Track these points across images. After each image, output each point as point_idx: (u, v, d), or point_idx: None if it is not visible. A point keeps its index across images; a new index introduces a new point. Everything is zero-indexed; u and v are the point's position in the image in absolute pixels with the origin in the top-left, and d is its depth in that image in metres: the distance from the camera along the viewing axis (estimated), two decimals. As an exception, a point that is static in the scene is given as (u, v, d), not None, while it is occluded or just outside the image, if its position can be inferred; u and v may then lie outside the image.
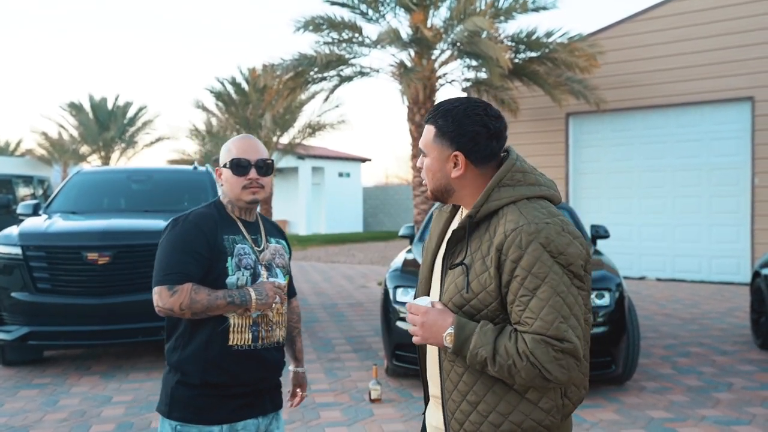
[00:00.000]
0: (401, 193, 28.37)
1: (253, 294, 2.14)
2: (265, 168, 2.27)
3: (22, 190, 12.01)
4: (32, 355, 6.26)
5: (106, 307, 5.75)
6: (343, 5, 11.06)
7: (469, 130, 1.68)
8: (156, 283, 2.14)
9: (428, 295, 1.81)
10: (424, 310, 1.66)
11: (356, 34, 11.06)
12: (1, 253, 5.93)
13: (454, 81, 11.98)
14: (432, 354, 1.80)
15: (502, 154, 1.74)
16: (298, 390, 2.54)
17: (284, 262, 2.36)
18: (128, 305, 5.82)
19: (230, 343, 2.18)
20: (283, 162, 24.25)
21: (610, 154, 12.31)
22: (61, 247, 5.84)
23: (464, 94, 13.35)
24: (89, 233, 5.94)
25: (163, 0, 77.31)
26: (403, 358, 5.31)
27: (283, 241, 2.41)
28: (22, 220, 6.71)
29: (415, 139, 11.46)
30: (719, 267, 11.40)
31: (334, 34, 11.08)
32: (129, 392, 5.36)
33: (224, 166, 2.27)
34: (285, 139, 21.46)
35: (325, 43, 11.12)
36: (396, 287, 5.44)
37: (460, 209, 1.82)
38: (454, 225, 1.81)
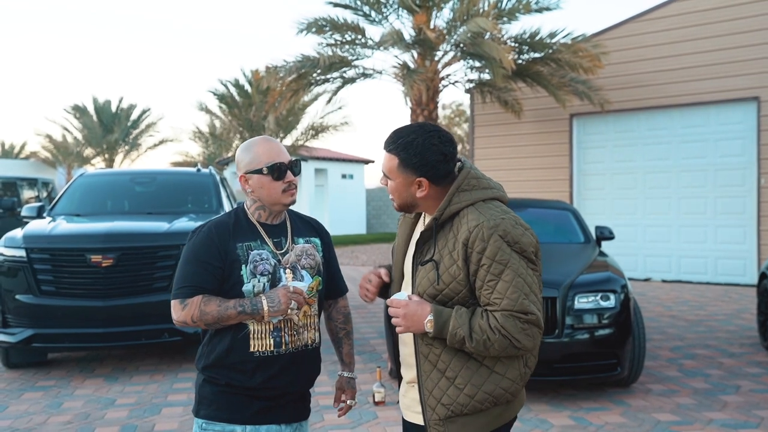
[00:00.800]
0: (405, 194, 28.28)
1: (264, 302, 2.10)
2: (297, 168, 2.26)
3: (27, 193, 12.02)
4: (36, 357, 6.25)
5: (109, 309, 5.74)
6: (345, 7, 11.05)
7: (430, 160, 1.94)
8: (172, 296, 2.16)
9: (401, 291, 2.05)
10: (404, 303, 1.91)
11: (359, 36, 11.05)
12: (6, 255, 5.93)
13: (457, 82, 11.97)
14: (407, 342, 2.05)
15: (457, 164, 2.02)
16: (342, 396, 2.44)
17: (313, 262, 2.28)
18: (132, 308, 5.81)
19: (251, 349, 2.16)
20: (287, 164, 24.22)
21: (615, 154, 12.27)
22: (64, 250, 5.83)
23: (467, 96, 13.33)
24: (93, 235, 5.93)
25: (167, 3, 77.51)
26: (408, 360, 5.28)
27: (316, 239, 2.34)
28: (26, 223, 6.71)
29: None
30: (725, 268, 11.35)
31: (337, 36, 11.08)
32: (132, 395, 5.34)
33: (255, 172, 2.20)
34: (288, 141, 21.47)
35: (327, 44, 11.12)
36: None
37: (423, 214, 2.10)
38: (419, 228, 2.08)
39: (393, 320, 1.93)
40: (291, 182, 2.21)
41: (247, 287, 2.15)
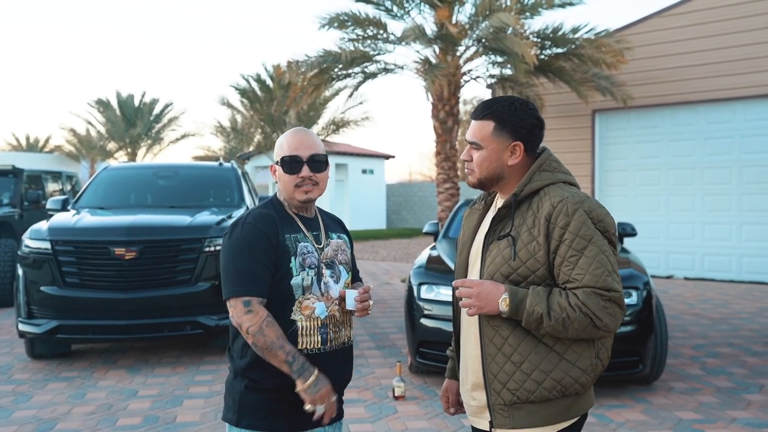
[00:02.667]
0: (424, 190, 28.30)
1: (312, 379, 1.99)
2: (320, 164, 2.14)
3: (51, 186, 12.17)
4: (60, 348, 6.35)
5: (132, 301, 5.82)
6: (367, 2, 11.03)
7: (528, 123, 1.95)
8: (229, 293, 2.03)
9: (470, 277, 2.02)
10: (478, 283, 1.87)
11: (381, 31, 11.02)
12: (31, 247, 6.02)
13: (478, 77, 11.90)
14: (470, 326, 2.00)
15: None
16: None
17: (346, 258, 2.25)
18: (154, 300, 5.88)
19: (300, 347, 2.07)
20: (307, 159, 24.29)
21: (637, 151, 12.13)
22: (88, 242, 5.91)
23: (489, 91, 13.25)
24: (116, 228, 6.01)
25: (189, -2, 78.00)
26: (427, 355, 5.28)
27: (345, 236, 2.30)
28: (51, 215, 6.81)
29: (440, 135, 11.40)
30: (750, 266, 11.18)
31: (359, 31, 11.06)
32: (155, 386, 5.40)
33: (277, 163, 2.16)
34: (309, 136, 21.53)
35: (349, 39, 11.10)
36: (420, 284, 5.41)
37: (493, 204, 2.08)
38: (488, 219, 2.05)
39: (463, 302, 1.88)
40: (305, 177, 2.12)
41: (296, 280, 2.08)
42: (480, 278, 1.95)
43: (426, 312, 5.23)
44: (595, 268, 1.81)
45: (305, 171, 2.13)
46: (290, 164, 2.13)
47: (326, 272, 2.15)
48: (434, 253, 6.06)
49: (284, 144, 2.17)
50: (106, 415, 4.71)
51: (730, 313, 8.45)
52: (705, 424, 4.45)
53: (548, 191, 1.91)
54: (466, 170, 2.02)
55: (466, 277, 2.06)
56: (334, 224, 2.33)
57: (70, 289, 5.87)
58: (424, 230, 7.07)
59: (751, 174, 11.13)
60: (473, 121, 1.99)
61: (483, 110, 1.97)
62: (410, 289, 5.51)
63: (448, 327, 5.07)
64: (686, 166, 11.70)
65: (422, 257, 6.05)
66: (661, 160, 11.92)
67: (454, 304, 2.12)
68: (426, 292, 5.33)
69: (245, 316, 2.00)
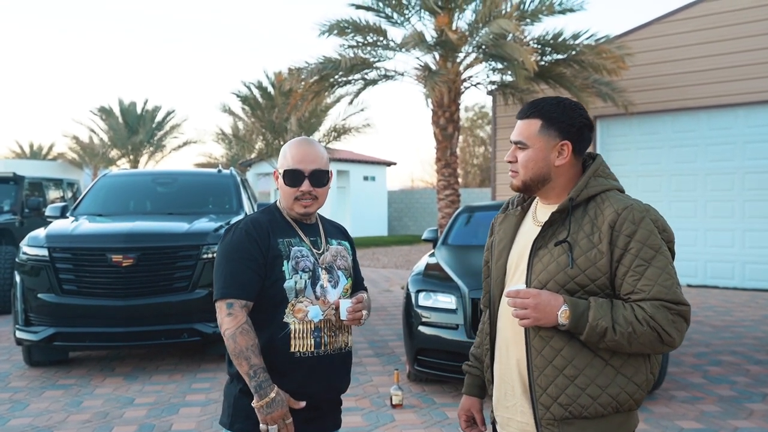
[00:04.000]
0: (426, 196, 28.28)
1: (268, 398, 1.97)
2: (321, 178, 2.15)
3: (53, 193, 12.18)
4: (57, 355, 6.31)
5: (130, 309, 5.78)
6: (367, 9, 11.04)
7: (577, 122, 1.88)
8: (216, 295, 2.07)
9: (517, 284, 1.90)
10: (536, 293, 1.76)
11: (381, 38, 11.02)
12: (29, 254, 6.00)
13: (479, 84, 11.90)
14: (514, 336, 1.89)
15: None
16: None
17: (346, 264, 2.26)
18: (152, 307, 5.85)
19: (292, 349, 2.08)
20: (309, 166, 24.29)
21: (639, 157, 12.09)
22: (86, 249, 5.89)
23: (489, 98, 13.23)
24: (114, 235, 5.98)
25: (191, 5, 78.30)
26: (425, 363, 5.23)
27: (346, 243, 2.31)
28: (50, 222, 6.79)
29: (440, 142, 11.38)
30: (753, 273, 11.12)
31: (359, 38, 11.07)
32: (151, 394, 5.37)
33: (281, 173, 2.18)
34: (310, 143, 21.52)
35: (349, 46, 11.10)
36: (418, 291, 5.37)
37: (532, 210, 1.99)
38: (526, 225, 1.99)
39: (518, 312, 1.77)
40: (304, 192, 2.14)
41: (288, 284, 2.09)
42: (527, 286, 1.85)
43: (424, 319, 5.19)
44: (664, 279, 1.74)
45: (305, 186, 2.14)
46: (291, 177, 2.14)
47: (324, 276, 2.16)
48: (432, 260, 6.02)
49: (288, 155, 2.18)
50: (102, 423, 4.67)
51: (733, 320, 8.38)
52: (706, 433, 4.39)
53: (606, 197, 1.84)
54: (509, 173, 1.94)
55: (504, 285, 1.96)
56: (336, 231, 2.34)
57: (67, 297, 5.84)
58: (423, 237, 7.04)
59: (754, 180, 11.08)
60: (519, 121, 1.93)
61: (529, 109, 1.91)
62: (408, 297, 5.47)
63: (447, 335, 5.03)
64: (688, 172, 11.66)
65: (420, 264, 6.01)
66: (662, 167, 11.88)
67: (491, 314, 2.01)
68: (424, 300, 5.29)
69: (225, 318, 2.04)
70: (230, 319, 2.02)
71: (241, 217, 6.86)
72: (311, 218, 2.25)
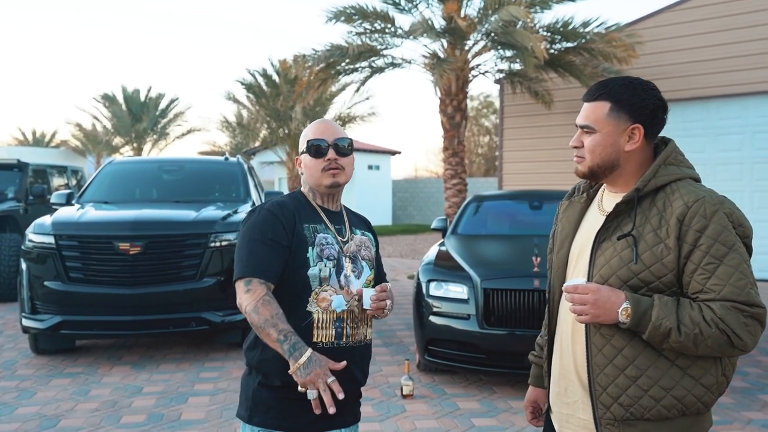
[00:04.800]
0: (431, 186, 28.19)
1: (304, 358, 1.87)
2: (345, 148, 2.13)
3: (56, 180, 12.12)
4: (64, 344, 6.28)
5: (137, 297, 5.74)
6: (375, -5, 10.93)
7: (650, 103, 1.76)
8: (235, 275, 2.01)
9: (577, 278, 1.82)
10: (595, 288, 1.67)
11: (388, 25, 10.92)
12: (35, 242, 5.96)
13: (487, 72, 11.79)
14: (573, 332, 1.81)
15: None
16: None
17: (370, 254, 2.21)
18: (159, 296, 5.80)
19: (315, 339, 2.01)
20: (313, 154, 24.23)
21: (648, 147, 12.00)
22: (93, 237, 5.84)
23: (494, 87, 13.13)
24: (121, 223, 5.93)
25: (195, -7, 77.97)
26: (436, 353, 5.19)
27: (370, 234, 2.27)
28: (55, 210, 6.74)
29: (448, 131, 11.29)
30: (762, 263, 11.03)
31: (366, 25, 10.97)
32: (159, 383, 5.33)
33: (302, 152, 2.15)
34: (315, 131, 21.44)
35: (357, 33, 11.01)
36: (429, 281, 5.32)
37: (598, 198, 1.88)
38: (591, 213, 1.88)
39: (576, 308, 1.69)
40: (331, 160, 2.10)
41: (313, 271, 2.03)
42: (588, 280, 1.75)
43: (435, 309, 5.14)
44: (737, 279, 1.62)
45: (331, 154, 2.11)
46: (316, 149, 2.12)
47: (348, 266, 2.10)
48: (443, 249, 5.96)
49: (308, 132, 2.17)
50: (110, 412, 4.64)
51: (742, 311, 8.32)
52: (721, 425, 4.34)
53: (677, 188, 1.72)
54: (575, 158, 1.82)
55: (565, 277, 1.86)
56: (359, 222, 2.29)
57: (74, 285, 5.80)
58: (432, 226, 6.97)
59: (763, 170, 10.99)
60: (585, 104, 1.81)
61: (597, 90, 1.79)
62: (419, 286, 5.42)
63: (458, 325, 4.98)
64: (697, 162, 11.48)
65: (431, 254, 5.95)
66: (671, 157, 11.79)
67: (551, 306, 1.92)
68: (435, 289, 5.24)
69: (244, 295, 1.96)
70: (249, 295, 1.94)
71: (248, 205, 6.84)
72: (336, 204, 2.20)
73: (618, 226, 1.75)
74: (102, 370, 5.73)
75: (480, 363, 4.94)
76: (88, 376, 5.55)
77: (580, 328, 1.79)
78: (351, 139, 2.18)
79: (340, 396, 1.87)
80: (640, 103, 1.75)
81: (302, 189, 2.21)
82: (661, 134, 1.88)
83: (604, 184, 1.88)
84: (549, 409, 1.97)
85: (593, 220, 1.86)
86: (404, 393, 4.91)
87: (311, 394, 1.88)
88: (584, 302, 1.68)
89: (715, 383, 1.71)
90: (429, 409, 4.67)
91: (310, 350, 1.89)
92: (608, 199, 1.85)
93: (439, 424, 4.38)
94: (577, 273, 1.83)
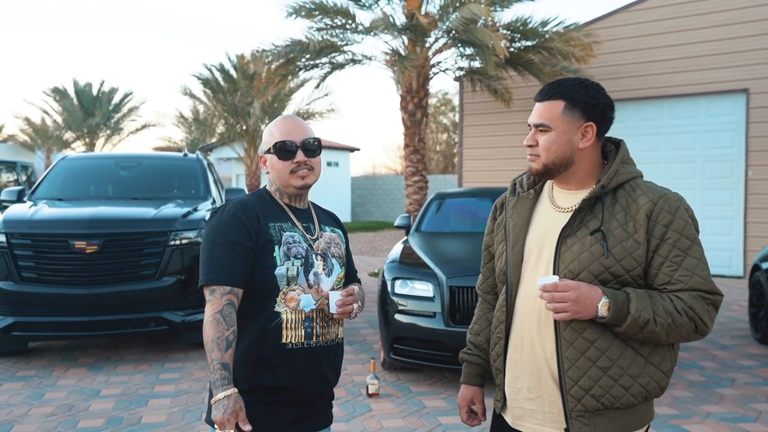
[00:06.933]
0: (390, 183, 28.22)
1: (220, 395, 1.81)
2: (313, 146, 2.07)
3: (5, 176, 11.73)
4: (17, 346, 6.05)
5: (93, 297, 5.57)
6: (335, -10, 10.86)
7: (601, 102, 1.82)
8: (200, 281, 1.97)
9: (549, 276, 1.82)
10: (575, 285, 1.70)
11: (349, 21, 10.87)
12: (-16, 240, 5.72)
13: (447, 70, 11.84)
14: (539, 327, 1.82)
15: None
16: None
17: (340, 251, 2.16)
18: (117, 296, 5.65)
19: (284, 340, 1.97)
20: (272, 150, 24.00)
21: (604, 145, 12.22)
22: (47, 235, 5.65)
23: (453, 85, 13.20)
24: (76, 221, 5.75)
25: (149, -15, 76.29)
26: (401, 351, 5.17)
27: (339, 230, 2.22)
28: (5, 207, 6.50)
29: (409, 128, 11.30)
30: (712, 260, 11.35)
31: (327, 20, 10.89)
32: (118, 385, 5.19)
33: (268, 151, 2.08)
34: (273, 128, 21.24)
35: (317, 29, 10.93)
36: (395, 279, 5.30)
37: (547, 194, 1.91)
38: (542, 209, 1.90)
39: (555, 305, 1.70)
40: (299, 162, 2.04)
41: (280, 270, 1.98)
42: (556, 276, 1.77)
43: (401, 307, 5.12)
44: (701, 269, 1.74)
45: (300, 156, 2.06)
46: (283, 150, 2.05)
47: (319, 264, 2.05)
48: (407, 247, 5.95)
49: (274, 131, 2.09)
50: (67, 417, 4.48)
51: (695, 306, 8.54)
52: (681, 419, 4.44)
53: (636, 185, 1.80)
54: (528, 156, 1.86)
55: (521, 272, 1.87)
56: (328, 218, 2.24)
57: (26, 285, 5.60)
58: (395, 224, 6.95)
59: (713, 169, 11.31)
60: (538, 104, 1.84)
61: (551, 90, 1.83)
62: (384, 284, 5.39)
63: (423, 323, 4.98)
64: (651, 160, 11.83)
65: (395, 251, 5.93)
66: (626, 155, 12.03)
67: (508, 299, 1.90)
68: (400, 287, 5.22)
69: (207, 305, 1.93)
70: (208, 307, 1.91)
71: (208, 202, 6.71)
72: (304, 202, 2.15)
73: (582, 222, 1.80)
74: (57, 373, 5.54)
75: (446, 361, 4.95)
76: (42, 379, 5.37)
77: (548, 323, 1.80)
78: (319, 138, 2.12)
79: None
80: (593, 102, 1.81)
81: (268, 188, 2.15)
82: (616, 130, 1.94)
83: (553, 182, 1.91)
84: (503, 406, 1.97)
85: (546, 216, 1.88)
86: (370, 392, 4.88)
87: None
88: (566, 300, 1.69)
89: (671, 368, 1.82)
90: (395, 408, 4.66)
91: (229, 391, 1.82)
92: (561, 196, 1.88)
93: (405, 422, 4.37)
94: (540, 269, 1.84)
